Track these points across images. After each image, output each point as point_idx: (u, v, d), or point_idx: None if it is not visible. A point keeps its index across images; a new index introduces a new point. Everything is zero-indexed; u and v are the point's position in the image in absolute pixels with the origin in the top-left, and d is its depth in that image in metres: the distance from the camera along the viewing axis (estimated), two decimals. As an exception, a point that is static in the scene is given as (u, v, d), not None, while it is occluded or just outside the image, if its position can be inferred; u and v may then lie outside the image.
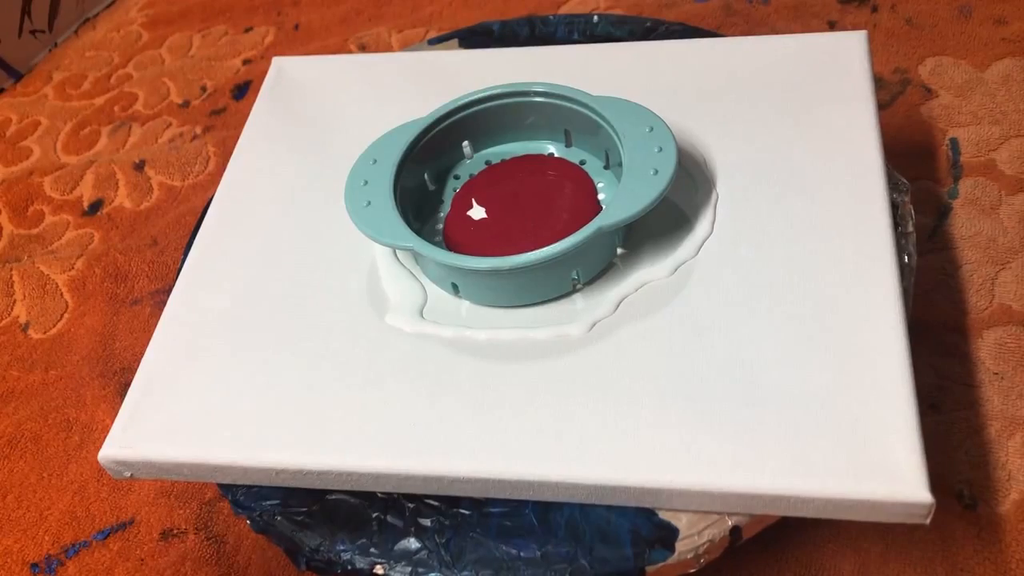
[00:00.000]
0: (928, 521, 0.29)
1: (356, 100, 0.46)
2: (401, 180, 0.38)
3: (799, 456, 0.30)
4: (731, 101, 0.41)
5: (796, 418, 0.30)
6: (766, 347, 0.32)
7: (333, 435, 0.33)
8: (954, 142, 0.54)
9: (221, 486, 0.35)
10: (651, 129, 0.36)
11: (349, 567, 0.33)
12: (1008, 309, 0.46)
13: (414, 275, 0.38)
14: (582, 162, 0.40)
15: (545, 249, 0.33)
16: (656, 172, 0.34)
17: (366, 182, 0.37)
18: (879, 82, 0.57)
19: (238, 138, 0.45)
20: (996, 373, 0.43)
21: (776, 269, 0.35)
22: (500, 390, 0.33)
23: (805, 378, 0.31)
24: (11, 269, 0.60)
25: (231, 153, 0.45)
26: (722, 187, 0.38)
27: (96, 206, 0.64)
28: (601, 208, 0.37)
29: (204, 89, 0.71)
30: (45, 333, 0.56)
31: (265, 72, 0.48)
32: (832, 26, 0.62)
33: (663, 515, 0.32)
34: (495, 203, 0.38)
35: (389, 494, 0.34)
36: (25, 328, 0.57)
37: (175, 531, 0.45)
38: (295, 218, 0.41)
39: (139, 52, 0.77)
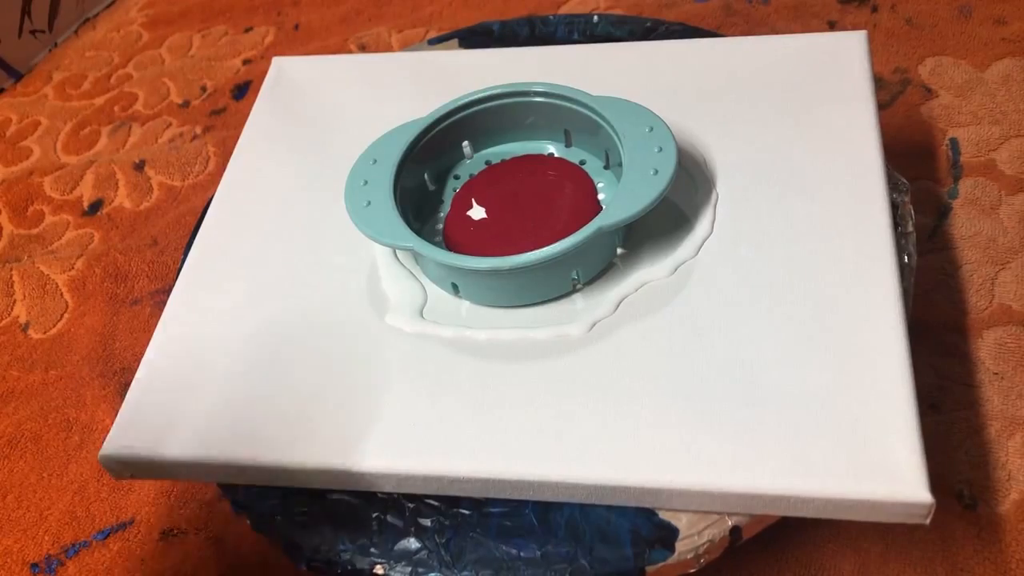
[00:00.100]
0: (928, 521, 0.29)
1: (356, 100, 0.46)
2: (401, 180, 0.38)
3: (799, 456, 0.30)
4: (731, 101, 0.41)
5: (796, 418, 0.30)
6: (766, 347, 0.32)
7: (333, 434, 0.33)
8: (954, 142, 0.54)
9: (221, 486, 0.35)
10: (651, 129, 0.36)
11: (349, 567, 0.33)
12: (1008, 309, 0.46)
13: (414, 275, 0.38)
14: (582, 162, 0.40)
15: (545, 249, 0.33)
16: (656, 172, 0.34)
17: (366, 182, 0.37)
18: (879, 82, 0.57)
19: (238, 138, 0.45)
20: (996, 373, 0.43)
21: (776, 269, 0.35)
22: (500, 390, 0.33)
23: (805, 378, 0.31)
24: (11, 269, 0.60)
25: (231, 153, 0.45)
26: (722, 187, 0.38)
27: (96, 206, 0.64)
28: (601, 208, 0.37)
29: (204, 89, 0.71)
30: (45, 333, 0.56)
31: (265, 72, 0.48)
32: (832, 26, 0.62)
33: (663, 515, 0.32)
34: (495, 203, 0.38)
35: (389, 494, 0.34)
36: (25, 328, 0.57)
37: (175, 531, 0.45)
38: (295, 218, 0.41)
39: (139, 52, 0.77)
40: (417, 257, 0.38)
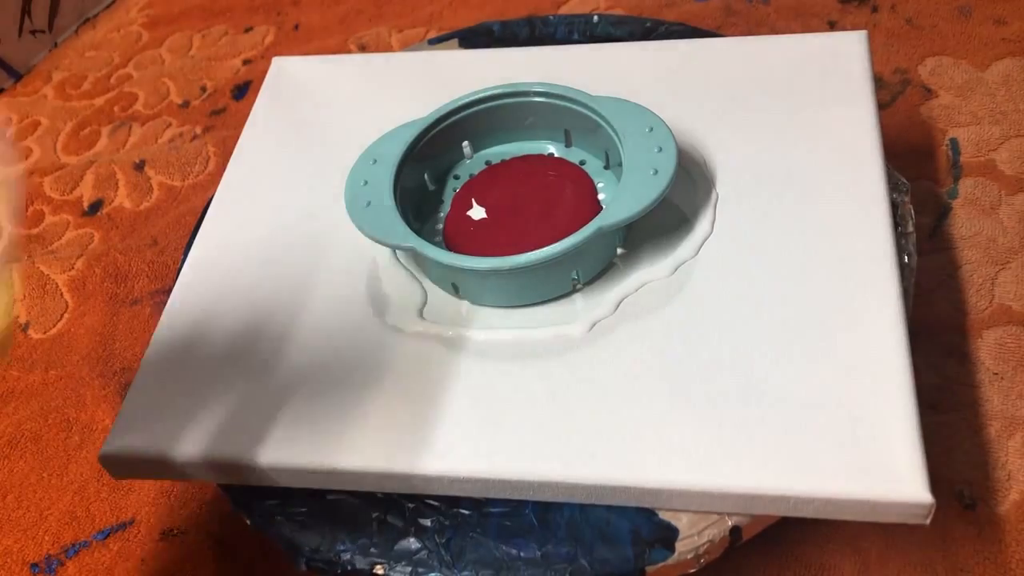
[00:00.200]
0: (928, 521, 0.29)
1: (356, 100, 0.46)
2: (401, 180, 0.38)
3: (799, 456, 0.30)
4: (731, 101, 0.41)
5: (796, 418, 0.30)
6: (766, 347, 0.32)
7: (332, 434, 0.33)
8: (954, 142, 0.54)
9: (221, 486, 0.35)
10: (651, 129, 0.36)
11: (349, 567, 0.33)
12: (1008, 309, 0.46)
13: (414, 275, 0.38)
14: (582, 162, 0.40)
15: (545, 249, 0.33)
16: (656, 172, 0.34)
17: (366, 182, 0.37)
18: (879, 82, 0.57)
19: (238, 138, 0.45)
20: (996, 373, 0.43)
21: (776, 269, 0.35)
22: (500, 390, 0.33)
23: (805, 378, 0.31)
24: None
25: (231, 153, 0.45)
26: (722, 187, 0.38)
27: (96, 206, 0.64)
28: (601, 208, 0.37)
29: (204, 89, 0.71)
30: (45, 333, 0.56)
31: (265, 72, 0.48)
32: (832, 26, 0.62)
33: (663, 515, 0.32)
34: (495, 203, 0.38)
35: (389, 494, 0.34)
36: (25, 328, 0.57)
37: (175, 531, 0.45)
38: (295, 218, 0.41)
39: (139, 52, 0.77)
40: (417, 257, 0.38)
